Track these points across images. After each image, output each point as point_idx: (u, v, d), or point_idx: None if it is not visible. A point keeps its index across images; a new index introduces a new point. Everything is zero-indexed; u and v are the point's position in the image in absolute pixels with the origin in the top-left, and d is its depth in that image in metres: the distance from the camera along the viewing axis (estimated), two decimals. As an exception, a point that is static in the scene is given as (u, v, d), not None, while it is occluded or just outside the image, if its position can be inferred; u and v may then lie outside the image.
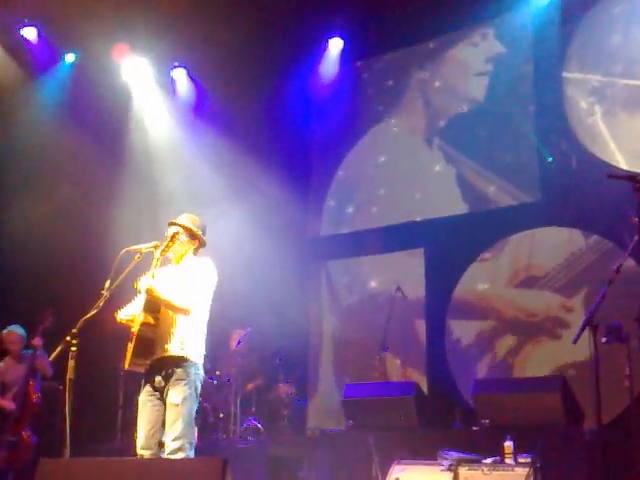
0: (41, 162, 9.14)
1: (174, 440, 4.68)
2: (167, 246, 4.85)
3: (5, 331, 7.50)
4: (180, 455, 4.64)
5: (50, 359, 4.93)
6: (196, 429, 7.78)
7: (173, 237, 4.85)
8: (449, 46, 9.30)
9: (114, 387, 8.14)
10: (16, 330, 7.51)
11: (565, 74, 8.40)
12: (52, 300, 7.74)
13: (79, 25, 8.91)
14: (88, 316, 4.74)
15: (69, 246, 8.77)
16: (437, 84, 9.39)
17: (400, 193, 9.37)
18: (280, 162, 9.51)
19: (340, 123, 9.91)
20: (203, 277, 4.96)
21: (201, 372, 4.96)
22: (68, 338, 4.67)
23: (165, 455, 4.67)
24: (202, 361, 4.99)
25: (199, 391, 4.92)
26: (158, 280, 4.80)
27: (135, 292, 5.00)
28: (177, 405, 4.74)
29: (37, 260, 8.70)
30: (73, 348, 4.66)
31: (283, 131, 9.77)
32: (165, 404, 4.80)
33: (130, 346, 4.83)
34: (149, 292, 4.73)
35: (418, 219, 9.11)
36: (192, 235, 5.09)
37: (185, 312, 4.86)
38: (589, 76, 8.24)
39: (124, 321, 4.92)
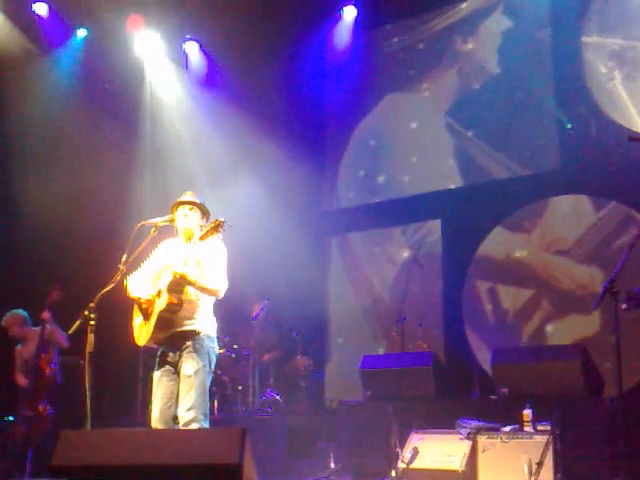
0: (55, 138, 9.14)
1: (188, 410, 4.70)
2: (208, 233, 4.74)
3: (3, 319, 7.56)
4: (194, 426, 4.66)
5: (69, 333, 4.94)
6: (215, 402, 7.93)
7: (218, 226, 4.71)
8: (470, 10, 9.16)
9: (134, 361, 8.18)
10: (11, 314, 7.57)
11: (584, 38, 8.27)
12: (67, 275, 7.77)
13: (90, 0, 8.86)
14: (105, 290, 4.75)
15: (84, 220, 8.79)
16: (462, 48, 9.21)
17: (433, 160, 9.23)
18: (295, 133, 9.46)
19: (358, 91, 9.79)
20: (221, 257, 4.97)
21: (215, 346, 4.99)
22: (86, 312, 4.69)
23: (180, 427, 4.69)
24: (215, 335, 5.02)
25: (213, 364, 4.94)
26: (189, 265, 4.77)
27: (140, 262, 4.98)
28: (190, 376, 4.76)
29: (52, 235, 8.73)
30: (92, 322, 4.69)
31: (298, 102, 9.69)
32: (179, 377, 4.83)
33: (146, 323, 4.83)
34: (183, 278, 4.72)
35: (452, 187, 8.99)
36: (203, 213, 5.10)
37: (216, 294, 4.89)
38: (608, 40, 8.11)
39: (142, 299, 4.89)
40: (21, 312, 7.60)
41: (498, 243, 8.58)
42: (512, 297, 8.39)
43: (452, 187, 8.98)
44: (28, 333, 7.54)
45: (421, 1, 9.39)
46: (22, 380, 7.32)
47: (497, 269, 8.54)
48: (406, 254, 9.06)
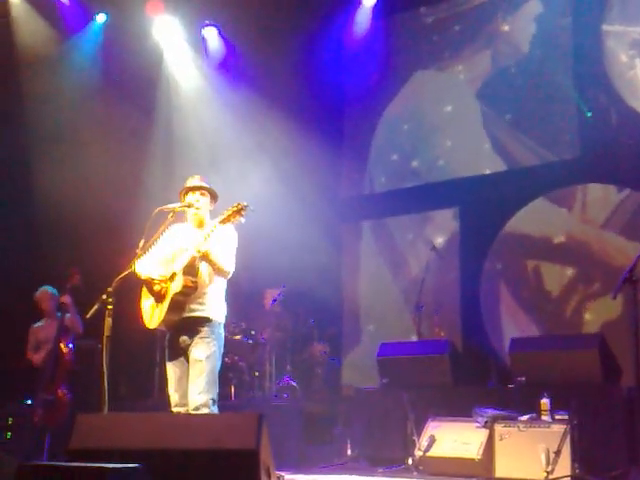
0: (73, 122, 9.16)
1: (198, 394, 4.73)
2: (230, 217, 4.72)
3: (37, 292, 7.60)
4: (204, 410, 4.69)
5: (87, 317, 4.95)
6: (232, 387, 7.97)
7: (240, 210, 4.70)
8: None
9: (151, 345, 8.21)
10: (46, 289, 7.60)
11: (605, 27, 8.18)
12: (83, 259, 7.80)
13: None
14: (123, 275, 4.76)
15: (100, 205, 8.82)
16: (499, 30, 9.04)
17: (475, 143, 9.05)
18: (313, 118, 9.41)
19: (383, 75, 9.67)
20: (231, 240, 4.99)
21: (223, 332, 5.02)
22: (104, 297, 4.71)
23: (190, 411, 4.72)
24: (225, 321, 5.05)
25: (222, 351, 4.97)
26: (208, 243, 4.77)
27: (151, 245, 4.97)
28: (201, 361, 4.79)
29: (68, 219, 8.77)
30: (109, 306, 4.70)
31: (316, 87, 9.62)
32: (189, 362, 4.85)
33: (158, 306, 4.85)
34: (205, 256, 4.74)
35: (487, 172, 8.88)
36: (212, 197, 5.12)
37: (226, 275, 4.93)
38: (630, 28, 8.02)
39: (155, 280, 4.90)
40: (53, 290, 7.59)
41: (509, 234, 8.53)
42: (553, 279, 8.27)
43: (487, 172, 8.86)
44: (52, 314, 7.56)
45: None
46: (35, 358, 7.30)
47: (531, 250, 8.42)
48: (440, 240, 8.99)
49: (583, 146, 8.17)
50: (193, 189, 5.06)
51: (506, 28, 9.00)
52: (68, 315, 7.23)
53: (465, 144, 9.05)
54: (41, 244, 8.99)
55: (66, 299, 7.20)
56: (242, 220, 4.77)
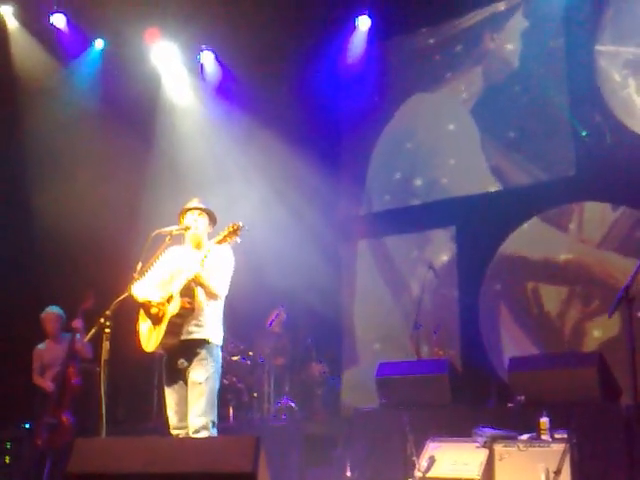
0: (72, 148, 9.21)
1: (198, 417, 4.74)
2: (226, 237, 4.78)
3: (43, 313, 7.58)
4: (204, 433, 4.70)
5: (86, 341, 4.97)
6: (231, 409, 7.95)
7: (236, 230, 4.76)
8: (483, 19, 9.16)
9: (149, 368, 8.20)
10: (53, 310, 7.57)
11: (598, 47, 8.27)
12: (88, 283, 7.82)
13: (107, 11, 8.94)
14: (121, 298, 4.79)
15: (101, 229, 8.85)
16: (489, 47, 9.13)
17: (471, 162, 9.07)
18: (310, 142, 9.46)
19: (381, 96, 9.75)
20: (228, 264, 5.04)
21: (220, 353, 5.05)
22: (102, 320, 4.73)
23: (190, 433, 4.72)
24: (222, 343, 5.09)
25: (220, 373, 4.99)
26: (204, 267, 4.81)
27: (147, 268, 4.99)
28: (200, 383, 4.81)
29: (70, 244, 8.80)
30: (107, 330, 4.72)
31: (313, 110, 9.67)
32: (187, 385, 4.86)
33: (156, 329, 4.86)
34: (197, 279, 4.78)
35: (492, 190, 8.88)
36: (210, 219, 5.19)
37: (217, 298, 4.98)
38: (622, 48, 8.11)
39: (153, 302, 4.91)
40: (60, 311, 7.58)
41: (506, 251, 8.55)
42: (551, 299, 8.29)
43: (486, 191, 8.88)
44: (57, 335, 7.52)
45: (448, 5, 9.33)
46: (47, 384, 7.20)
47: (530, 270, 8.45)
48: (442, 258, 9.00)
49: (578, 164, 8.22)
50: (191, 210, 5.12)
51: (498, 48, 9.08)
52: (78, 336, 7.12)
53: (465, 163, 9.10)
54: (40, 268, 9.00)
55: (78, 323, 7.12)
56: (238, 240, 4.82)
